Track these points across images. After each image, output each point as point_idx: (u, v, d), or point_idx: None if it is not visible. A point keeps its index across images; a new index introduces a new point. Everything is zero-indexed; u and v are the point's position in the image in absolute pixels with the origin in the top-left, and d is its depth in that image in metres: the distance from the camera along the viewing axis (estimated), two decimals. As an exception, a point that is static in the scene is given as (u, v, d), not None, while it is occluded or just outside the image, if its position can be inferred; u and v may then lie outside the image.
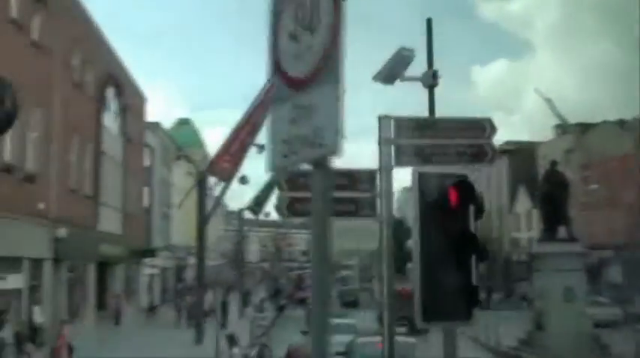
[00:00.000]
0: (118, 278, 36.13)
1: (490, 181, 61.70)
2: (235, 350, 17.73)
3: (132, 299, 39.11)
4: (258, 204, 27.47)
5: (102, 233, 31.56)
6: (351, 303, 45.14)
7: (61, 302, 25.65)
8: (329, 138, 3.29)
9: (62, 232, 24.43)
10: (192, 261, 63.10)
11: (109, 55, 33.86)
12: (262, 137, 28.02)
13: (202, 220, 24.32)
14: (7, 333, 17.73)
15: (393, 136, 6.51)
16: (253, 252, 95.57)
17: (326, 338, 3.43)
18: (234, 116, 71.06)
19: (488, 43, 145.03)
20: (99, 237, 30.94)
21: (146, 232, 44.11)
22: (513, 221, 60.14)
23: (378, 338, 14.57)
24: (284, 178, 6.62)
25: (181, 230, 58.02)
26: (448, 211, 6.21)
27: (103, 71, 32.29)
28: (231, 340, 17.97)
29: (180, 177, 54.60)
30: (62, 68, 25.66)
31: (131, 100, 37.40)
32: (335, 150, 3.26)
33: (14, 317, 20.45)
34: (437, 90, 10.77)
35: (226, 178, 24.85)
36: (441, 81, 10.78)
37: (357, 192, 6.82)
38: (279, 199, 6.84)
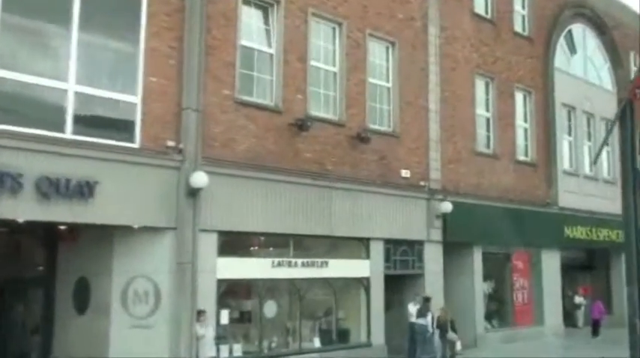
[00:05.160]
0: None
1: None
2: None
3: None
4: None
5: (569, 211, 24.02)
6: None
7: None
8: None
9: (447, 206, 18.68)
10: None
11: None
12: None
13: (626, 174, 15.11)
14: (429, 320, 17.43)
15: None
16: None
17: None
18: None
19: None
20: (559, 217, 23.55)
21: None
22: None
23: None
24: None
25: None
26: None
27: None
28: None
29: None
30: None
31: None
32: None
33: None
34: None
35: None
36: None
37: None
38: None
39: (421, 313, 17.61)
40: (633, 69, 28.78)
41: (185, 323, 12.93)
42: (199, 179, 13.07)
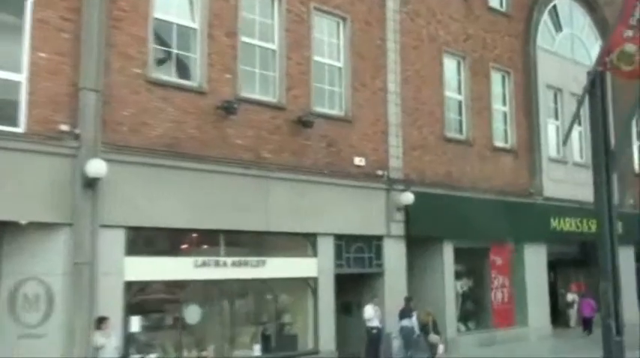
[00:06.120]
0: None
1: None
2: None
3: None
4: None
5: (555, 201, 22.14)
6: None
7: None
8: None
9: (407, 198, 16.94)
10: None
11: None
12: None
13: (597, 156, 13.28)
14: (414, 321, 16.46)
15: None
16: None
17: None
18: None
19: None
20: (543, 208, 21.68)
21: None
22: None
23: None
24: None
25: None
26: None
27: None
28: None
29: None
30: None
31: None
32: None
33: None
34: None
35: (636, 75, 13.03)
36: None
37: None
38: None
39: (404, 314, 16.11)
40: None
41: (81, 331, 11.34)
42: (96, 167, 11.48)
